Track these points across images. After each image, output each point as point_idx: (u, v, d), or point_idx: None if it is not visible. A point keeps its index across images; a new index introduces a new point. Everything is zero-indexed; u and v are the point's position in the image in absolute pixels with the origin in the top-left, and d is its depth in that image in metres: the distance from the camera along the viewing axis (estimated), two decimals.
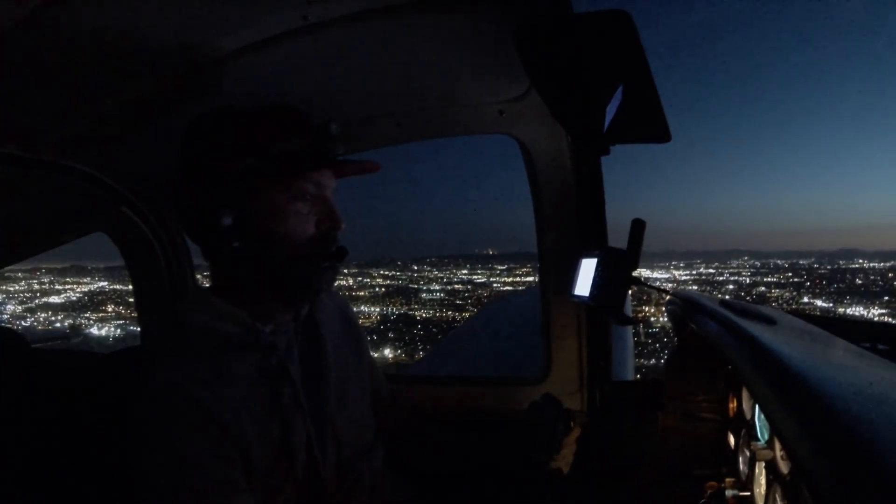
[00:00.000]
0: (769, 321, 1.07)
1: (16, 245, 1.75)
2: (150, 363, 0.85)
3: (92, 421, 0.99)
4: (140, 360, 0.87)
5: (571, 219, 1.47)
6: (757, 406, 1.15)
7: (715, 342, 1.01)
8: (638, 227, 1.13)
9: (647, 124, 1.03)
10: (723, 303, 1.24)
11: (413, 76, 1.28)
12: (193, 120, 0.88)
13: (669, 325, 1.56)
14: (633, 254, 1.14)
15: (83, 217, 1.73)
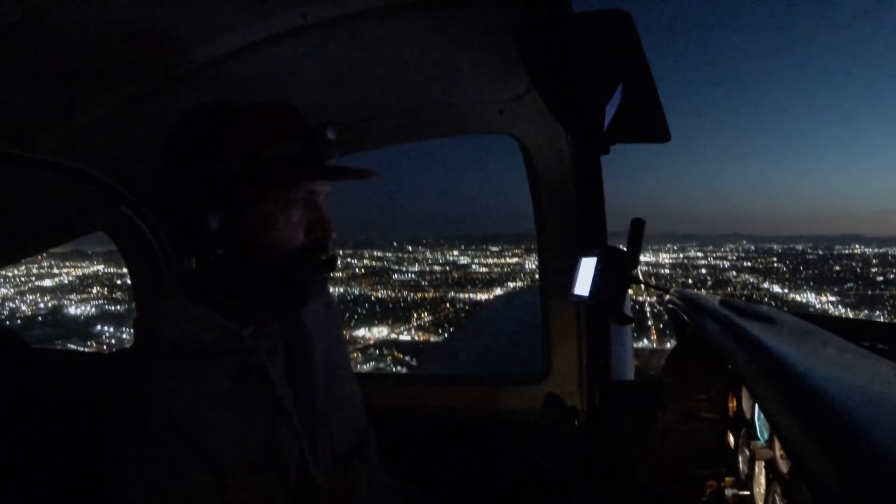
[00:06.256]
0: (769, 320, 1.07)
1: (15, 245, 1.75)
2: (126, 374, 0.82)
3: (86, 422, 0.99)
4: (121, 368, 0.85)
5: (571, 218, 1.47)
6: (757, 405, 1.15)
7: (715, 341, 1.01)
8: (637, 226, 1.13)
9: (647, 124, 1.03)
10: (723, 302, 1.24)
11: (413, 76, 1.28)
12: (183, 116, 0.84)
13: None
14: (633, 253, 1.14)
15: (83, 217, 1.73)
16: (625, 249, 1.22)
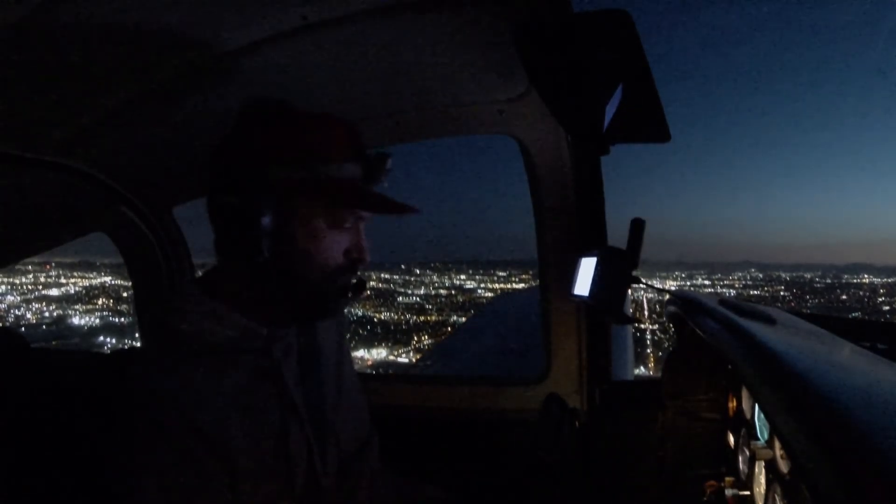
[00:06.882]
0: (769, 320, 1.07)
1: (15, 245, 1.75)
2: (140, 369, 0.82)
3: (91, 421, 0.99)
4: (133, 363, 0.85)
5: (571, 218, 1.47)
6: (756, 405, 1.15)
7: (715, 342, 1.01)
8: (637, 226, 1.13)
9: (647, 124, 1.03)
10: (722, 302, 1.24)
11: (413, 76, 1.28)
12: (247, 106, 0.83)
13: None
14: (633, 253, 1.14)
15: (83, 217, 1.73)
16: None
